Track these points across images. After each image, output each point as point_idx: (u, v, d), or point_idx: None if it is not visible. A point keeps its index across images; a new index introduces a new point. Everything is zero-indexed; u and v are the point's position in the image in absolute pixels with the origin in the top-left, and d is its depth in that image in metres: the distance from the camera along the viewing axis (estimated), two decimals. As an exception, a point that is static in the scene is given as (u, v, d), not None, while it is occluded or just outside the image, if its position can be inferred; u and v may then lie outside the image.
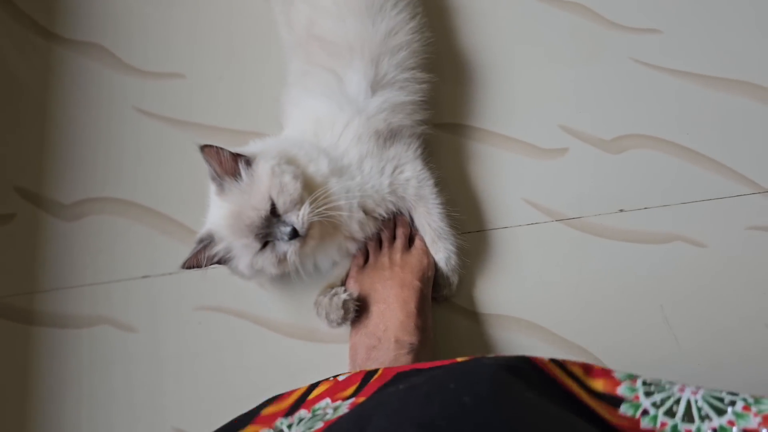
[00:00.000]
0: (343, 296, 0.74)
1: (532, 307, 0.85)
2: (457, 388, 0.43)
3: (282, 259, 0.69)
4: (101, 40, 0.97)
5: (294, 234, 0.67)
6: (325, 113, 0.78)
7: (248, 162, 0.70)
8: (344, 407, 0.48)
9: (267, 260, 0.69)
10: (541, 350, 0.83)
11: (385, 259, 0.80)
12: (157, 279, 0.84)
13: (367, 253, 0.82)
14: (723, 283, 0.87)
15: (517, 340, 0.83)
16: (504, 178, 0.92)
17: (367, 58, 0.79)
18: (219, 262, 0.71)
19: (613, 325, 0.85)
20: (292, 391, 0.57)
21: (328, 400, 0.52)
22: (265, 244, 0.69)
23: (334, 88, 0.79)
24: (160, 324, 0.82)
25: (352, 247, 0.80)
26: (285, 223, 0.68)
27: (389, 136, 0.80)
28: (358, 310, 0.76)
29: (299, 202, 0.68)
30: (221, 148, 0.68)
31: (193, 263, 0.70)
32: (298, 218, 0.68)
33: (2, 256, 0.85)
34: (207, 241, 0.70)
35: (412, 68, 0.83)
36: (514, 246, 0.88)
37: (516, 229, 0.89)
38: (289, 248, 0.69)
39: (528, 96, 0.98)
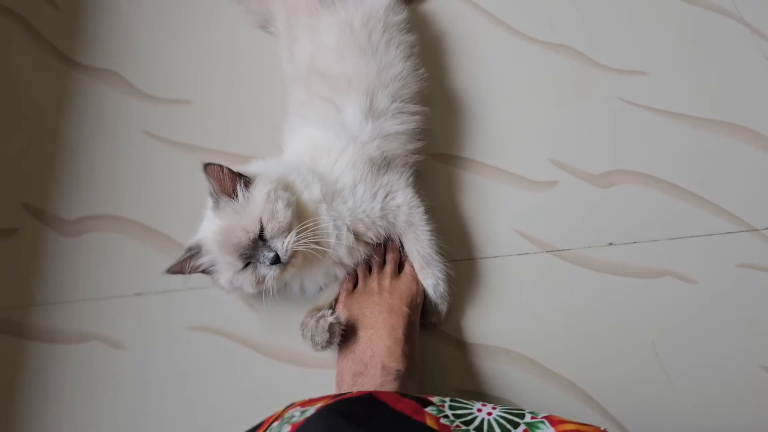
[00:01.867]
0: (330, 319, 0.74)
1: (521, 339, 0.84)
2: None
3: (260, 281, 0.72)
4: (116, 66, 1.03)
5: (276, 260, 0.70)
6: (323, 140, 0.82)
7: (247, 183, 0.73)
8: (311, 410, 0.49)
9: (246, 280, 0.72)
10: (529, 382, 0.82)
11: (374, 284, 0.81)
12: (150, 297, 0.85)
13: (356, 278, 0.83)
14: (714, 321, 0.87)
15: (504, 372, 0.83)
16: (495, 208, 0.94)
17: (363, 91, 0.83)
18: (203, 271, 0.74)
19: (603, 359, 0.84)
20: (268, 418, 0.57)
21: (298, 407, 0.52)
22: (247, 264, 0.72)
23: (332, 118, 0.83)
24: (149, 342, 0.83)
25: (340, 273, 0.81)
26: (269, 248, 0.70)
27: (383, 164, 0.82)
28: (344, 335, 0.76)
29: (287, 230, 0.71)
30: (223, 167, 0.72)
31: (177, 269, 0.73)
32: (283, 245, 0.70)
33: (1, 269, 0.86)
34: (194, 251, 0.73)
35: (406, 100, 0.88)
36: (504, 276, 0.89)
37: (506, 259, 0.90)
38: (268, 272, 0.71)
39: (519, 130, 1.01)
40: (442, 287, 0.82)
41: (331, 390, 0.78)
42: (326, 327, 0.74)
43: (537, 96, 1.05)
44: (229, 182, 0.72)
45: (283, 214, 0.71)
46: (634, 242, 0.92)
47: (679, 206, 0.95)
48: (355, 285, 0.82)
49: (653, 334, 0.85)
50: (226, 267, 0.72)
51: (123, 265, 0.87)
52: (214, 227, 0.72)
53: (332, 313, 0.77)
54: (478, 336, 0.85)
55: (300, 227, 0.71)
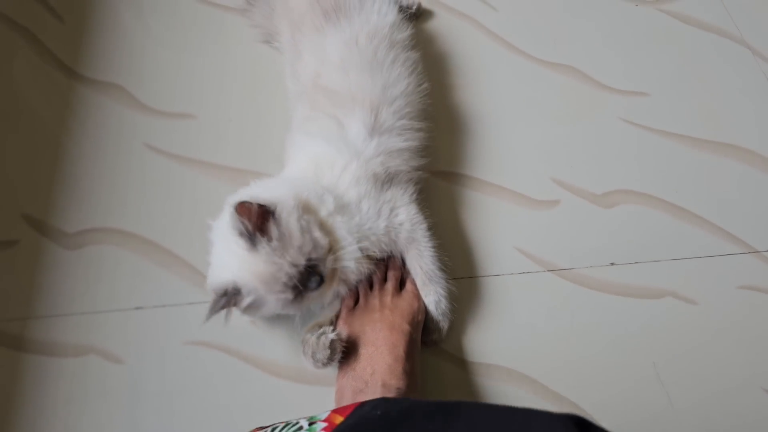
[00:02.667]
0: (331, 336, 0.74)
1: (522, 358, 0.84)
2: None
3: (304, 303, 0.74)
4: (120, 80, 1.03)
5: (321, 281, 0.72)
6: (325, 155, 0.82)
7: (273, 215, 0.71)
8: (319, 428, 0.48)
9: (293, 306, 0.73)
10: (530, 402, 0.81)
11: (375, 301, 0.80)
12: (150, 311, 0.85)
13: (357, 295, 0.82)
14: (716, 342, 0.87)
15: (505, 391, 0.82)
16: (497, 226, 0.94)
17: (367, 107, 0.83)
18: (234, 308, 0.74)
19: (605, 379, 0.83)
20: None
21: (303, 420, 0.52)
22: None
23: (335, 133, 0.83)
24: (148, 357, 0.82)
25: (342, 289, 0.81)
26: (315, 274, 0.71)
27: (386, 180, 0.83)
28: (345, 352, 0.76)
29: (327, 253, 0.73)
30: (251, 204, 0.69)
31: (215, 315, 0.71)
32: (325, 267, 0.72)
33: (1, 282, 0.86)
34: (233, 293, 0.71)
35: (410, 117, 0.88)
36: (506, 294, 0.89)
37: (508, 278, 0.90)
38: (314, 294, 0.73)
39: (521, 149, 1.01)
40: (444, 304, 0.82)
41: (331, 407, 0.77)
42: (327, 344, 0.73)
43: (540, 115, 1.05)
44: (260, 219, 0.70)
45: (323, 241, 0.72)
46: (635, 262, 0.92)
47: (680, 227, 0.95)
48: (357, 302, 0.82)
49: (655, 355, 0.85)
50: (275, 302, 0.72)
51: (123, 279, 0.87)
52: (254, 268, 0.70)
53: (333, 330, 0.77)
54: (479, 354, 0.84)
55: (333, 251, 0.74)
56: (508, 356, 0.84)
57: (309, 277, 0.71)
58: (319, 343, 0.73)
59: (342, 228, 0.76)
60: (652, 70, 1.11)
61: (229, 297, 0.71)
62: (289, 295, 0.71)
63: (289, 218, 0.71)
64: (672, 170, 1.01)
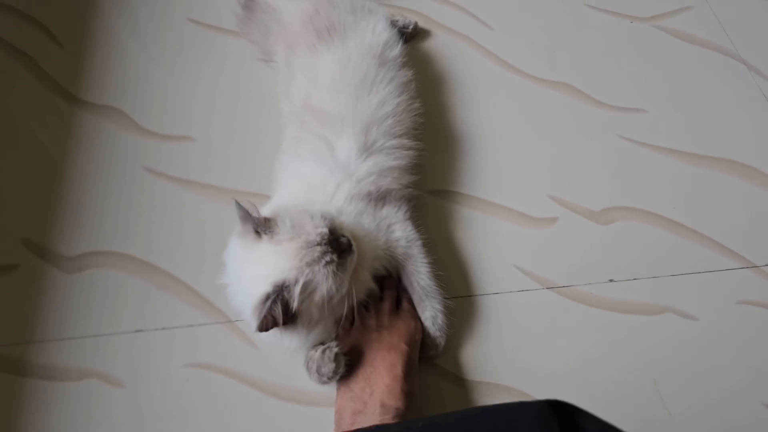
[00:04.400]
0: (335, 350, 0.74)
1: (521, 376, 0.84)
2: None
3: (350, 272, 0.71)
4: (119, 103, 1.04)
5: (349, 242, 0.70)
6: (316, 177, 0.82)
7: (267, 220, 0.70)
8: None
9: (344, 273, 0.70)
10: (531, 421, 0.81)
11: (371, 321, 0.80)
12: (150, 333, 0.85)
13: (353, 316, 0.82)
14: (716, 358, 0.86)
15: (506, 410, 0.82)
16: (495, 244, 0.94)
17: (357, 127, 0.84)
18: (294, 315, 0.68)
19: (605, 396, 0.83)
20: None
21: None
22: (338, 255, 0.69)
23: (325, 154, 0.83)
24: (148, 380, 0.82)
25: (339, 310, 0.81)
26: (342, 236, 0.70)
27: (380, 198, 0.83)
28: (349, 366, 0.76)
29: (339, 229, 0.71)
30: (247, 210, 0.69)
31: (269, 321, 0.66)
32: (345, 238, 0.71)
33: (1, 306, 0.86)
34: (278, 290, 0.66)
35: (401, 136, 0.88)
36: (505, 312, 0.88)
37: (506, 296, 0.90)
38: (352, 257, 0.71)
39: (519, 167, 1.02)
40: (440, 320, 0.82)
41: (330, 429, 0.77)
42: (332, 357, 0.73)
43: (536, 133, 1.06)
44: (262, 218, 0.69)
45: (328, 211, 0.73)
46: (634, 279, 0.92)
47: (679, 243, 0.96)
48: (353, 323, 0.82)
49: (655, 372, 0.85)
50: (324, 272, 0.67)
51: (123, 302, 0.87)
52: (282, 256, 0.67)
53: (336, 344, 0.76)
54: (479, 373, 0.84)
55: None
56: (507, 374, 0.84)
57: (337, 239, 0.69)
58: (324, 358, 0.74)
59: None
60: (648, 86, 1.12)
61: (277, 293, 0.66)
62: (334, 256, 0.67)
63: (291, 212, 0.70)
64: (669, 186, 1.01)
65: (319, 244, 0.67)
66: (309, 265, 0.67)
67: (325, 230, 0.69)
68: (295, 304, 0.67)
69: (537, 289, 0.91)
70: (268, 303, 0.65)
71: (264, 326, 0.66)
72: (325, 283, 0.68)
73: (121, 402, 0.80)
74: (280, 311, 0.66)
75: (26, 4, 1.14)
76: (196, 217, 0.94)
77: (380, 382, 0.74)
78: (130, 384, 0.82)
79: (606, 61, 1.16)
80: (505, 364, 0.85)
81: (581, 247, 0.94)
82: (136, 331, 0.85)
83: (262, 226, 0.68)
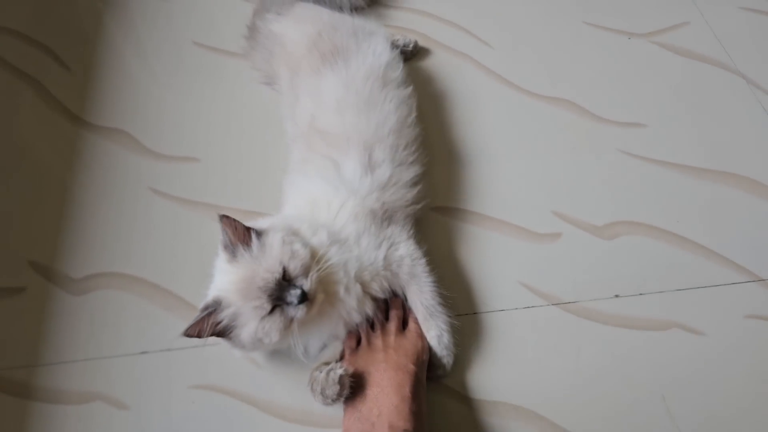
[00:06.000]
0: (339, 371, 0.74)
1: (529, 394, 0.83)
2: None
3: (288, 325, 0.71)
4: (125, 125, 1.05)
5: (303, 297, 0.70)
6: (322, 194, 0.84)
7: (258, 234, 0.74)
8: None
9: (273, 325, 0.70)
10: (539, 440, 0.80)
11: (378, 341, 0.80)
12: (155, 355, 0.85)
13: (359, 336, 0.82)
14: (725, 374, 0.86)
15: (514, 428, 0.81)
16: (500, 261, 0.94)
17: (362, 146, 0.86)
18: (220, 334, 0.71)
19: (614, 414, 0.82)
20: None
21: None
22: (273, 308, 0.70)
23: (331, 173, 0.85)
24: (154, 402, 0.82)
25: (343, 331, 0.81)
26: (295, 287, 0.70)
27: (385, 218, 0.84)
28: (353, 387, 0.75)
29: (308, 268, 0.72)
30: (236, 220, 0.73)
31: (195, 331, 0.70)
32: (308, 281, 0.71)
33: (8, 329, 0.86)
34: (213, 308, 0.70)
35: (404, 152, 0.90)
36: (511, 330, 0.88)
37: (512, 313, 0.90)
38: (296, 312, 0.70)
39: (521, 183, 1.02)
40: (446, 338, 0.82)
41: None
42: (336, 379, 0.73)
43: (538, 149, 1.06)
44: (243, 231, 0.73)
45: (303, 252, 0.72)
46: (640, 294, 0.92)
47: (683, 257, 0.95)
48: (358, 343, 0.82)
49: (663, 388, 0.84)
50: (253, 314, 0.70)
51: (129, 323, 0.87)
52: (232, 277, 0.72)
53: (341, 366, 0.76)
54: (486, 392, 0.84)
55: (315, 260, 0.73)
56: (514, 392, 0.83)
57: (288, 291, 0.70)
58: (329, 379, 0.73)
59: (336, 255, 0.76)
60: (647, 101, 1.13)
61: (209, 311, 0.70)
62: (266, 304, 0.69)
63: (273, 235, 0.73)
64: (672, 200, 1.01)
65: (259, 286, 0.70)
66: (243, 299, 0.70)
67: (273, 276, 0.70)
68: (221, 326, 0.70)
69: (543, 306, 0.90)
70: (203, 313, 0.70)
71: (189, 332, 0.69)
72: (249, 325, 0.71)
73: (125, 425, 0.80)
74: (208, 325, 0.70)
75: (33, 28, 1.16)
76: (201, 238, 0.94)
77: (388, 403, 0.74)
78: (135, 406, 0.81)
79: (605, 77, 1.17)
80: (513, 382, 0.84)
81: (586, 263, 0.94)
82: (142, 352, 0.85)
83: (229, 244, 0.72)
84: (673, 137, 1.08)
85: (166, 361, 0.84)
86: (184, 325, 0.84)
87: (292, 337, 0.72)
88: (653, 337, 0.88)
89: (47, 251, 0.92)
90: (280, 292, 0.70)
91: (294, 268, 0.71)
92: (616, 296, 0.91)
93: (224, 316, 0.70)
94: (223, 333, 0.71)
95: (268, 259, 0.71)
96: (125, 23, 1.20)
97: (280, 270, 0.70)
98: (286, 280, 0.71)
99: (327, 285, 0.74)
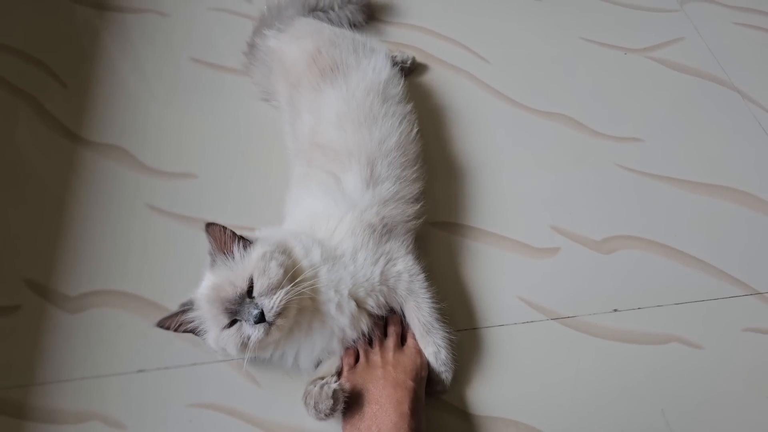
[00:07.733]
0: (333, 386, 0.73)
1: (529, 410, 0.83)
2: None
3: (245, 343, 0.71)
4: (122, 142, 1.05)
5: (260, 318, 0.69)
6: (322, 209, 0.84)
7: (246, 245, 0.75)
8: None
9: (231, 339, 0.71)
10: (540, 456, 0.80)
11: (376, 357, 0.80)
12: (152, 373, 0.84)
13: (357, 352, 0.82)
14: (724, 387, 0.86)
15: (514, 445, 0.81)
16: (498, 275, 0.94)
17: (363, 162, 0.86)
18: (192, 331, 0.75)
19: (614, 428, 0.82)
20: None
21: None
22: (233, 322, 0.72)
23: (333, 187, 0.85)
24: (151, 421, 0.81)
25: (339, 347, 0.80)
26: (255, 306, 0.70)
27: (384, 232, 0.83)
28: (347, 403, 0.75)
29: (276, 289, 0.71)
30: (225, 228, 0.75)
31: (166, 324, 0.74)
32: (270, 302, 0.70)
33: (2, 348, 0.85)
34: (187, 307, 0.75)
35: (405, 167, 0.90)
36: (510, 345, 0.88)
37: (511, 328, 0.89)
38: (253, 332, 0.70)
39: (519, 198, 1.03)
40: (443, 355, 0.81)
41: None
42: (330, 394, 0.72)
43: (536, 164, 1.07)
44: (228, 242, 0.75)
45: (275, 272, 0.71)
46: (638, 308, 0.92)
47: (681, 271, 0.96)
48: (357, 359, 0.81)
49: (663, 402, 0.84)
50: (213, 323, 0.72)
51: (126, 341, 0.86)
52: (208, 283, 0.74)
53: (335, 380, 0.76)
54: (486, 407, 0.83)
55: (291, 285, 0.71)
56: (514, 408, 0.83)
57: (248, 308, 0.70)
58: (322, 394, 0.73)
59: (324, 277, 0.76)
60: (644, 116, 1.14)
61: (183, 310, 0.74)
62: (223, 318, 0.71)
63: (257, 248, 0.74)
64: (669, 214, 1.02)
65: (221, 297, 0.71)
66: (208, 305, 0.72)
67: (236, 290, 0.71)
68: (191, 326, 0.74)
69: (541, 320, 0.90)
70: (177, 310, 0.75)
71: (160, 323, 0.74)
72: (211, 332, 0.73)
73: (121, 445, 0.79)
74: (179, 321, 0.74)
75: (30, 44, 1.16)
76: (199, 255, 0.93)
77: (387, 420, 0.73)
78: (132, 426, 0.80)
79: (602, 92, 1.18)
80: (512, 397, 0.84)
81: (584, 277, 0.95)
82: (139, 371, 0.84)
83: (212, 253, 0.76)
84: (670, 151, 1.09)
85: (163, 379, 0.84)
86: (183, 343, 0.86)
87: (273, 350, 0.75)
88: (652, 351, 0.88)
89: (43, 269, 0.91)
90: (240, 306, 0.71)
91: (260, 285, 0.71)
92: (615, 310, 0.91)
93: (194, 317, 0.74)
94: (194, 332, 0.75)
95: (237, 272, 0.72)
96: (123, 40, 1.20)
97: (245, 286, 0.71)
98: (250, 297, 0.71)
99: (316, 303, 0.75)
